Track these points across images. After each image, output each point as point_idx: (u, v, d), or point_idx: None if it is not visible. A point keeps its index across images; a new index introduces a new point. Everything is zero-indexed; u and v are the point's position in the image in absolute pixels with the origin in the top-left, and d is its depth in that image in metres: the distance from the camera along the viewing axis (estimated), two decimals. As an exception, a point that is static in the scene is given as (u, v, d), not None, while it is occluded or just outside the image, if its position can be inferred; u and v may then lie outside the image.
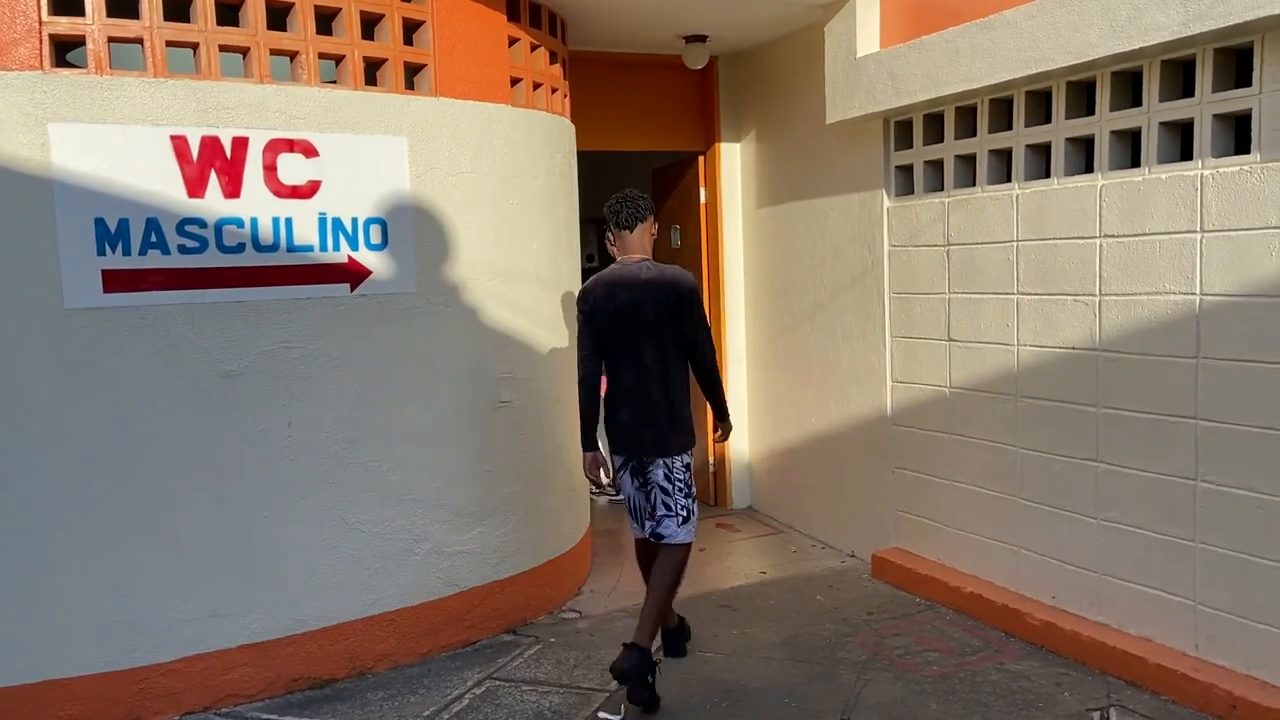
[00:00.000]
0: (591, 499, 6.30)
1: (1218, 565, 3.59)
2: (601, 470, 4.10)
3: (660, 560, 3.95)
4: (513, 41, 4.61)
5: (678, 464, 3.95)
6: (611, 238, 4.05)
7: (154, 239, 3.66)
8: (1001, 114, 4.41)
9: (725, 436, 4.33)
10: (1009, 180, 4.37)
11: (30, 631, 3.57)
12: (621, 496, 4.17)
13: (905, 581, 4.99)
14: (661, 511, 3.94)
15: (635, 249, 4.02)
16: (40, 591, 3.57)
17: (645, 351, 3.90)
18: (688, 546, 4.00)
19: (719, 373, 4.13)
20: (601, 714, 3.74)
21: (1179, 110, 3.62)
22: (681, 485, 3.95)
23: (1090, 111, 3.98)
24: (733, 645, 4.38)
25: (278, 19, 3.90)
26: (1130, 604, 3.94)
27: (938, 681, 3.92)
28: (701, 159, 6.64)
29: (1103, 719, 3.56)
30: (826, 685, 3.92)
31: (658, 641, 4.04)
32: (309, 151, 3.91)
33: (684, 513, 3.94)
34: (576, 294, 4.11)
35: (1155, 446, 3.77)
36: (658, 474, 3.95)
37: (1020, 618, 4.29)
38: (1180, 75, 3.69)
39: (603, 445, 4.15)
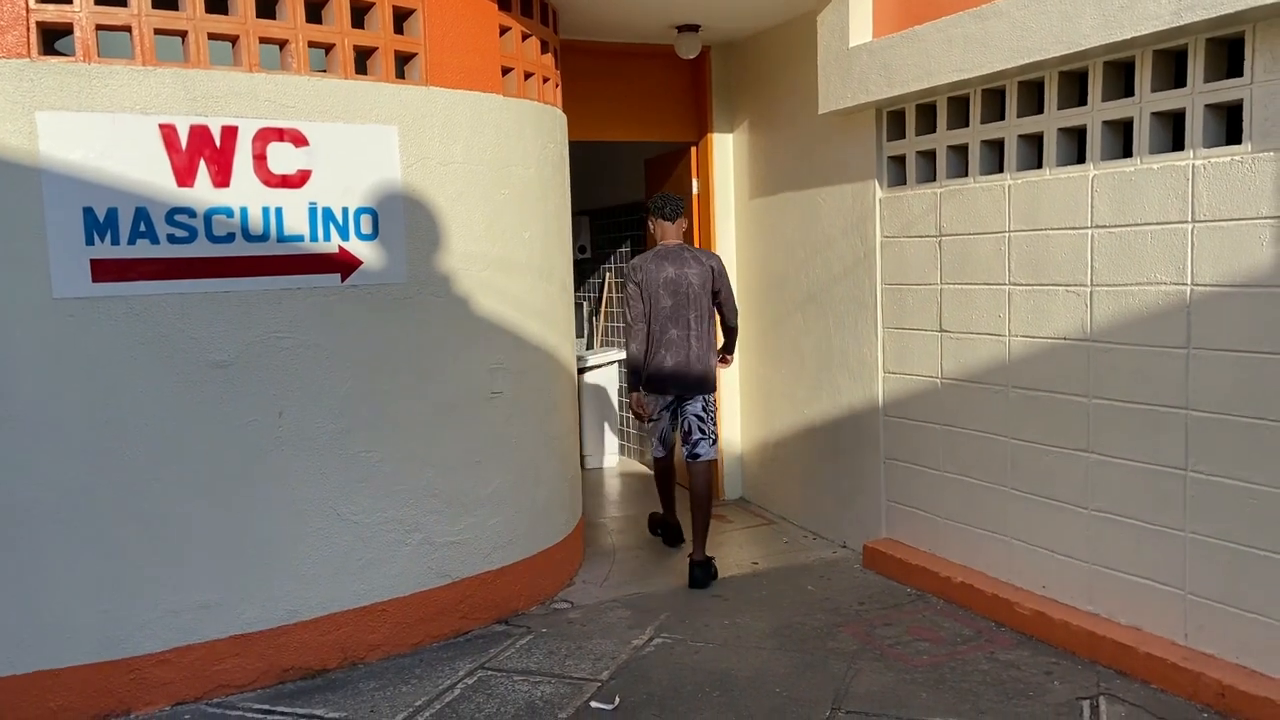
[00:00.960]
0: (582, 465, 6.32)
1: (1208, 555, 3.60)
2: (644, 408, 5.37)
3: (698, 477, 5.23)
4: (504, 30, 4.59)
5: (710, 399, 5.28)
6: (652, 223, 5.33)
7: (143, 228, 3.64)
8: (994, 104, 4.40)
9: (729, 360, 5.74)
10: (1001, 171, 4.37)
11: (19, 622, 3.56)
12: (656, 430, 5.38)
13: (896, 572, 5.00)
14: (698, 435, 5.22)
15: (672, 235, 5.30)
16: (29, 581, 3.56)
17: (689, 314, 5.15)
18: (714, 462, 5.54)
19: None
20: (594, 704, 3.74)
21: (1171, 100, 3.62)
22: (711, 414, 5.27)
23: (1082, 102, 3.98)
24: (724, 635, 4.38)
25: (267, 7, 3.87)
26: (1120, 593, 3.95)
27: (928, 671, 3.93)
28: (694, 150, 6.63)
29: (1092, 708, 3.57)
30: (817, 675, 3.94)
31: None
32: (299, 141, 3.89)
33: (712, 435, 5.28)
34: (627, 267, 5.37)
35: (1146, 436, 3.78)
36: (696, 406, 5.23)
37: (1010, 607, 4.31)
38: (1172, 65, 3.69)
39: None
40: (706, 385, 5.21)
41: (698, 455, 5.22)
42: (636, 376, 5.30)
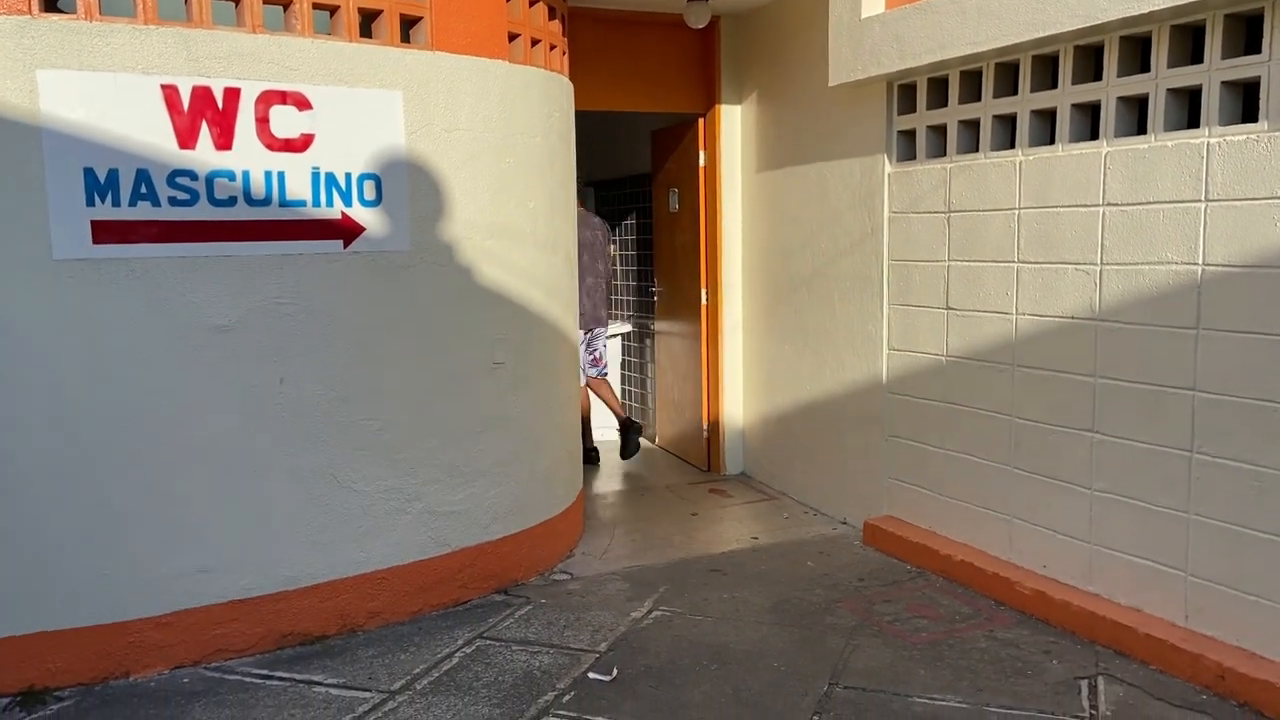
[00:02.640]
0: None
1: (1211, 537, 3.59)
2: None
3: (608, 383, 7.02)
4: (511, -4, 4.53)
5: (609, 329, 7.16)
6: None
7: (144, 190, 3.61)
8: (1007, 78, 4.34)
9: None
10: (1013, 146, 4.32)
11: (18, 583, 3.56)
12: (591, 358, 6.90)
13: (897, 549, 4.99)
14: (605, 358, 6.99)
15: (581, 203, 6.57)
16: (28, 544, 3.56)
17: (599, 265, 6.82)
18: None
19: None
20: (592, 675, 3.74)
21: (1187, 77, 3.57)
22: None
23: (1097, 77, 3.92)
24: (723, 609, 4.38)
25: (271, -33, 3.82)
26: (1122, 574, 3.94)
27: (926, 648, 3.93)
28: (701, 121, 6.57)
29: (1090, 687, 3.57)
30: (815, 650, 3.93)
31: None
32: (302, 104, 3.85)
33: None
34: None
35: (1152, 417, 3.76)
36: (605, 335, 6.98)
37: (1011, 586, 4.30)
38: (1189, 41, 3.63)
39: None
40: (606, 320, 6.99)
41: (605, 372, 7.01)
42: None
